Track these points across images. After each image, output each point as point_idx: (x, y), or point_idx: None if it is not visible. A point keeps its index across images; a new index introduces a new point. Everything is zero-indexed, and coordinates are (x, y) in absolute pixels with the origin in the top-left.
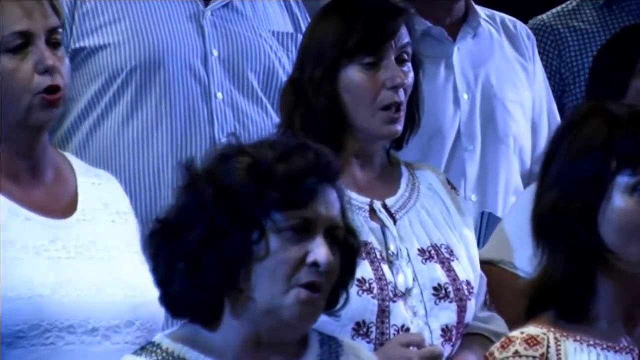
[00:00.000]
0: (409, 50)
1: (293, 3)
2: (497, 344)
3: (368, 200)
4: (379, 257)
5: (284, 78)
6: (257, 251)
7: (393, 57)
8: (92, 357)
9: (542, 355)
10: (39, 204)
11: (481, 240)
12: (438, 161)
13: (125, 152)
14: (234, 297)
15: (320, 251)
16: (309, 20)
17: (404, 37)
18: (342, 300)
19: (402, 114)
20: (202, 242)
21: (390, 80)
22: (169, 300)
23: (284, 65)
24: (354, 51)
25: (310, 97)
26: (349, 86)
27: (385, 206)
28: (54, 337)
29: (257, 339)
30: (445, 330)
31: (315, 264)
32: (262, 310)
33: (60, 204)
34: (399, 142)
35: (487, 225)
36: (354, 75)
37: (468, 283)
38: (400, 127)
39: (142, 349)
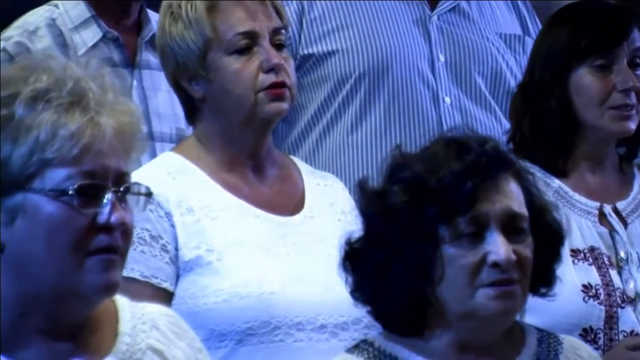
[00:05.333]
0: None
1: (521, 4)
2: None
3: (597, 204)
4: (606, 262)
5: (512, 81)
6: (434, 265)
7: (625, 60)
8: (320, 354)
9: None
10: (267, 201)
11: None
12: None
13: (354, 158)
14: (429, 311)
15: (498, 250)
16: (537, 21)
17: (636, 40)
18: (552, 280)
19: (634, 113)
20: (383, 267)
21: (621, 83)
22: (375, 317)
23: (511, 67)
24: (584, 53)
25: (541, 101)
26: (580, 89)
27: (615, 210)
28: (283, 334)
29: (462, 343)
30: None
31: (495, 264)
32: (457, 316)
33: (287, 202)
34: (632, 151)
35: None
36: (584, 77)
37: None
38: (633, 126)
39: (356, 347)
